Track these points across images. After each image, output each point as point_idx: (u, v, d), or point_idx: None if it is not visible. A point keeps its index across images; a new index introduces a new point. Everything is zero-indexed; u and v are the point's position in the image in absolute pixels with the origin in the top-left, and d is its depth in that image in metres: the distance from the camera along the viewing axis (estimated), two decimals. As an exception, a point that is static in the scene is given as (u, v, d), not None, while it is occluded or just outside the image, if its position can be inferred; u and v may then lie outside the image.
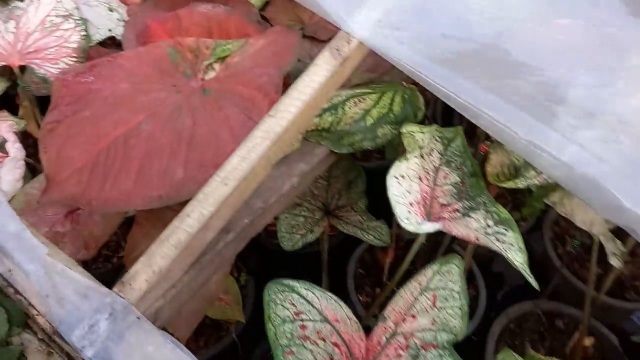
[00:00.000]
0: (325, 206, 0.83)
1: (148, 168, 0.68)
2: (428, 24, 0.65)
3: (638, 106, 0.60)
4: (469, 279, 1.25)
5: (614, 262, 0.71)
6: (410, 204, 0.58)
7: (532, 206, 1.20)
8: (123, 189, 0.68)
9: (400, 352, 0.51)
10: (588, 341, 1.15)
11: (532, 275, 0.54)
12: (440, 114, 1.48)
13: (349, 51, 0.64)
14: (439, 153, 0.73)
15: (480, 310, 1.16)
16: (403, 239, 1.21)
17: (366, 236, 0.82)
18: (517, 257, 0.56)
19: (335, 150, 0.72)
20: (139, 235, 0.77)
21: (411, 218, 0.55)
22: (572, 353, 1.10)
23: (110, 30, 1.10)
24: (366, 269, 1.27)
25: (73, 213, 0.82)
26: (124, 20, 1.09)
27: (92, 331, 0.50)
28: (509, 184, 0.63)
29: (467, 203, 0.67)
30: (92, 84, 0.76)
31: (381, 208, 0.89)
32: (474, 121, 0.60)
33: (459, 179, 0.70)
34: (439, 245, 1.16)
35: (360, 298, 1.21)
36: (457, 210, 0.65)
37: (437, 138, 0.74)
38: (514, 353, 0.64)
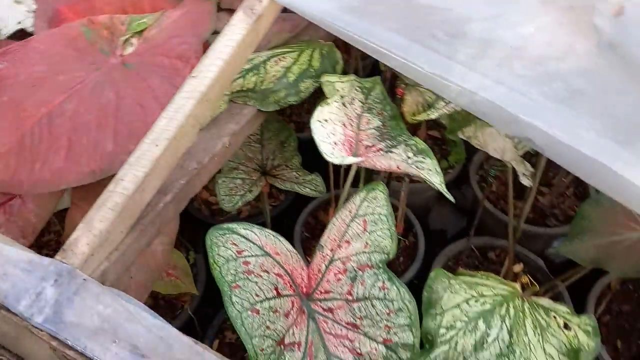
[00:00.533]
0: (262, 167, 0.86)
1: (77, 144, 0.68)
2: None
3: (526, 34, 0.67)
4: (408, 227, 1.32)
5: (525, 181, 0.79)
6: (335, 143, 0.62)
7: (457, 153, 1.28)
8: (54, 167, 0.67)
9: (340, 276, 0.56)
10: (518, 267, 1.26)
11: (447, 192, 0.60)
12: (362, 69, 1.53)
13: (261, 9, 0.67)
14: (360, 102, 0.77)
15: (419, 255, 1.23)
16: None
17: (303, 189, 0.85)
18: (435, 179, 0.62)
19: (262, 109, 0.75)
20: (77, 216, 0.77)
21: (335, 153, 0.59)
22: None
23: (19, 22, 1.06)
24: (311, 231, 1.32)
25: (5, 205, 0.80)
26: (33, 12, 1.05)
27: (39, 299, 0.50)
28: (422, 116, 0.69)
29: (389, 142, 0.72)
30: (6, 70, 0.74)
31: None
32: (385, 62, 0.65)
33: (380, 123, 0.75)
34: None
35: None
36: (381, 150, 0.70)
37: (358, 88, 0.78)
38: (443, 270, 0.70)
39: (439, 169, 0.63)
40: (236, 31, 0.66)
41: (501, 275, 1.17)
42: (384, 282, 0.56)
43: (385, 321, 0.55)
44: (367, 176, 0.97)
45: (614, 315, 1.14)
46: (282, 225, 1.31)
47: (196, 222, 1.31)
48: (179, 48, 0.76)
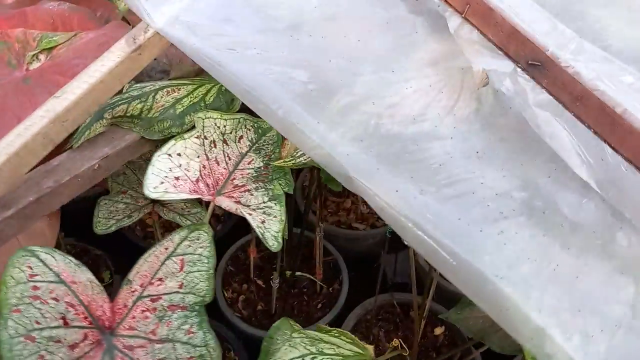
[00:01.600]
0: (153, 195, 0.86)
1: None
2: (219, 19, 0.70)
3: (406, 93, 0.66)
4: (335, 274, 1.29)
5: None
6: (176, 178, 0.61)
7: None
8: None
9: (147, 313, 0.54)
10: (439, 330, 1.21)
11: (270, 241, 0.59)
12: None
13: (143, 40, 0.68)
14: (249, 141, 0.77)
15: (339, 304, 1.20)
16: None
17: (184, 221, 0.85)
18: (274, 227, 0.60)
19: (146, 137, 0.75)
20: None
21: (159, 188, 0.58)
22: (425, 342, 1.16)
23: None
24: (237, 266, 1.30)
25: None
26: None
27: None
28: (289, 164, 0.68)
29: (261, 184, 0.71)
30: None
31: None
32: (252, 108, 0.64)
33: (262, 165, 0.75)
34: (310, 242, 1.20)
35: (226, 294, 1.23)
36: (248, 191, 0.70)
37: (251, 127, 0.78)
38: (289, 321, 0.68)
39: (283, 218, 0.62)
40: (112, 58, 0.67)
41: (419, 335, 1.13)
42: (191, 326, 0.54)
43: (184, 366, 0.53)
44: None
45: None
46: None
47: (125, 240, 1.30)
48: (77, 69, 0.78)
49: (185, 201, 0.86)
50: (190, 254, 0.56)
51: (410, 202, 0.54)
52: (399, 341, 0.76)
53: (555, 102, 0.57)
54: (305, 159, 0.67)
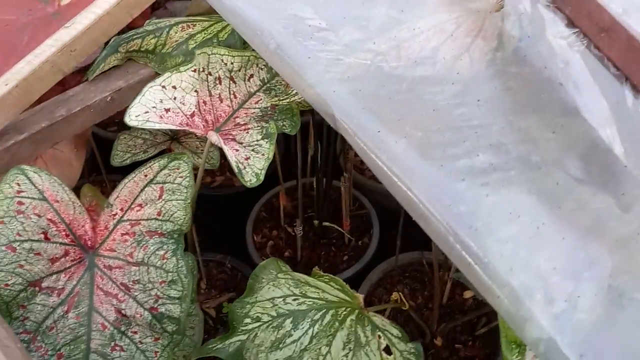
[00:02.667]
0: (172, 132, 0.88)
1: (-21, 77, 0.75)
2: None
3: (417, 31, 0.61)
4: (366, 228, 1.28)
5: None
6: (166, 110, 0.62)
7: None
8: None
9: (127, 237, 0.56)
10: (469, 293, 1.17)
11: (258, 179, 0.58)
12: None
13: (152, -28, 0.68)
14: (260, 80, 0.76)
15: (366, 258, 1.19)
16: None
17: (197, 159, 0.86)
18: (258, 164, 0.60)
19: (160, 72, 0.76)
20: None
21: (141, 117, 0.59)
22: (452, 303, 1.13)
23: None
24: (269, 212, 1.32)
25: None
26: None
27: None
28: (283, 102, 0.67)
29: (262, 124, 0.70)
30: (-49, 3, 0.82)
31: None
32: (250, 44, 0.62)
33: (268, 105, 0.74)
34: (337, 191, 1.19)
35: (255, 238, 1.26)
36: (247, 130, 0.69)
37: (263, 66, 0.77)
38: (277, 261, 0.68)
39: (270, 156, 0.61)
40: (120, -11, 0.68)
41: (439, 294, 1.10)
42: (166, 252, 0.56)
43: (156, 290, 0.55)
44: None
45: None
46: (250, 201, 1.33)
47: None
48: (100, 3, 0.80)
49: (201, 140, 0.87)
50: (170, 182, 0.57)
51: (390, 146, 0.51)
52: (400, 295, 0.74)
53: (575, 34, 0.50)
54: (301, 98, 0.64)
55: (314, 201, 1.24)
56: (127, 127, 1.57)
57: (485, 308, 1.08)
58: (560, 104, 0.52)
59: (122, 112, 0.76)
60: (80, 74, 0.87)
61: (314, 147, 1.13)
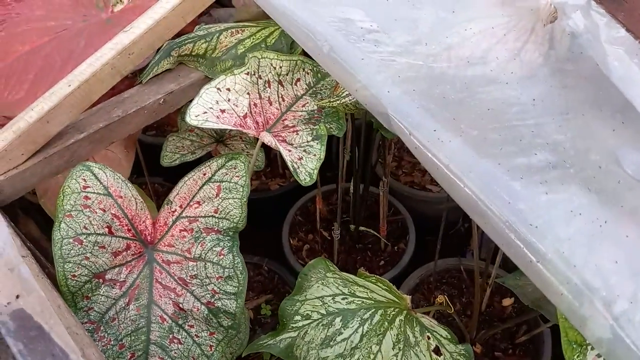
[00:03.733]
0: (219, 134, 0.90)
1: (39, 81, 0.78)
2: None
3: (468, 34, 0.61)
4: (402, 234, 1.27)
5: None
6: (222, 111, 0.63)
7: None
8: (17, 97, 0.78)
9: (185, 233, 0.58)
10: (507, 301, 1.15)
11: (312, 178, 0.59)
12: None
13: (205, -21, 0.70)
14: (306, 84, 0.77)
15: (402, 264, 1.19)
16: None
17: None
18: (310, 164, 0.61)
19: (210, 76, 0.79)
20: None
21: (201, 117, 0.60)
22: (491, 311, 1.12)
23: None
24: (306, 217, 1.33)
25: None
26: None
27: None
28: (334, 104, 0.68)
29: (310, 126, 0.71)
30: (13, 9, 0.86)
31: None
32: (303, 47, 0.64)
33: (316, 108, 0.75)
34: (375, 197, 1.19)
35: (292, 241, 1.27)
36: (296, 132, 0.70)
37: (309, 70, 0.79)
38: (325, 261, 0.68)
39: (322, 156, 0.62)
40: (175, -4, 0.70)
41: (480, 301, 1.09)
42: (222, 249, 0.57)
43: (213, 285, 0.56)
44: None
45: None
46: (285, 205, 1.34)
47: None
48: (153, 10, 0.83)
49: (246, 142, 0.89)
50: (227, 181, 0.58)
51: (446, 144, 0.51)
52: (445, 297, 0.74)
53: (631, 38, 0.50)
54: (350, 100, 0.65)
55: (350, 206, 1.25)
56: (165, 132, 1.60)
57: (525, 316, 1.07)
58: (618, 101, 0.51)
59: (163, 117, 0.79)
60: (128, 79, 0.90)
61: (350, 152, 1.14)
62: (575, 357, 0.47)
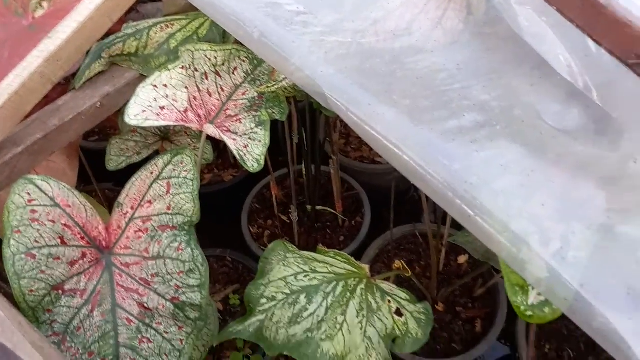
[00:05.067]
0: (164, 132, 0.89)
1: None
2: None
3: (391, 7, 0.64)
4: (357, 208, 1.31)
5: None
6: (162, 108, 0.64)
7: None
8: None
9: (140, 234, 0.58)
10: (462, 258, 1.21)
11: (259, 164, 0.60)
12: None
13: (128, -25, 0.69)
14: (244, 72, 0.78)
15: (361, 236, 1.22)
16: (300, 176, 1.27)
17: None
18: (256, 150, 0.62)
19: (145, 74, 0.78)
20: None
21: (140, 116, 0.61)
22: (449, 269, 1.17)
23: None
24: (262, 203, 1.34)
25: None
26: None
27: None
28: (272, 89, 0.69)
29: (252, 113, 0.72)
30: None
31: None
32: (235, 35, 0.64)
33: (256, 95, 0.76)
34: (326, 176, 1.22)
35: (252, 229, 1.28)
36: (239, 120, 0.71)
37: (245, 58, 0.79)
38: (283, 242, 0.70)
39: (267, 142, 0.64)
40: (98, -4, 0.69)
41: (437, 262, 1.14)
42: (180, 244, 0.58)
43: (175, 280, 0.57)
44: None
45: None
46: (241, 194, 1.35)
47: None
48: (76, 12, 0.80)
49: (191, 137, 0.89)
50: (176, 177, 0.59)
51: (381, 116, 0.54)
52: (401, 262, 0.77)
53: (538, -3, 0.54)
54: (288, 83, 0.67)
55: (304, 188, 1.27)
56: (108, 136, 1.57)
57: (480, 269, 1.13)
58: (534, 58, 0.55)
59: (103, 121, 0.78)
60: (61, 85, 0.87)
61: (297, 134, 1.16)
62: (519, 298, 0.51)
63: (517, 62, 0.57)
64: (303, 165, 1.20)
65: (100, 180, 1.23)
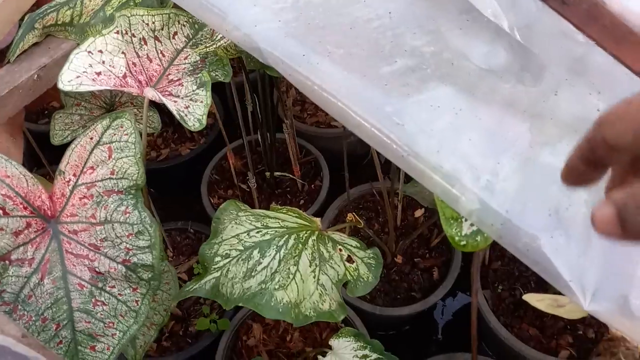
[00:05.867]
0: (109, 104, 0.88)
1: None
2: None
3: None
4: (316, 172, 1.33)
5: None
6: (98, 74, 0.63)
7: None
8: None
9: (86, 200, 0.58)
10: (419, 212, 1.25)
11: (201, 123, 0.61)
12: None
13: (53, -60, 0.67)
14: (185, 37, 0.77)
15: (320, 199, 1.24)
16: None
17: (138, 126, 0.87)
18: (198, 110, 0.62)
19: (82, 43, 0.76)
20: None
21: (74, 82, 0.60)
22: (406, 224, 1.21)
23: None
24: (221, 174, 1.35)
25: None
26: None
27: None
28: (210, 49, 0.69)
29: (195, 77, 0.72)
30: None
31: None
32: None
33: (198, 59, 0.75)
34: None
35: (212, 200, 1.29)
36: (182, 84, 0.71)
37: (185, 23, 0.78)
38: (235, 202, 0.71)
39: (208, 102, 0.64)
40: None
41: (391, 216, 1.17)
42: (127, 207, 0.58)
43: (125, 243, 0.58)
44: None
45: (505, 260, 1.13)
46: (199, 167, 1.35)
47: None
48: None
49: (138, 107, 0.88)
50: (117, 141, 0.59)
51: (316, 66, 0.55)
52: (353, 215, 0.80)
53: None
54: (226, 42, 0.67)
55: (262, 156, 1.28)
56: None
57: (433, 219, 1.17)
58: (463, 3, 0.57)
59: (49, 100, 0.76)
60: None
61: (252, 102, 1.16)
62: (454, 230, 0.54)
63: (446, 9, 0.59)
64: (259, 133, 1.20)
65: (53, 163, 1.21)
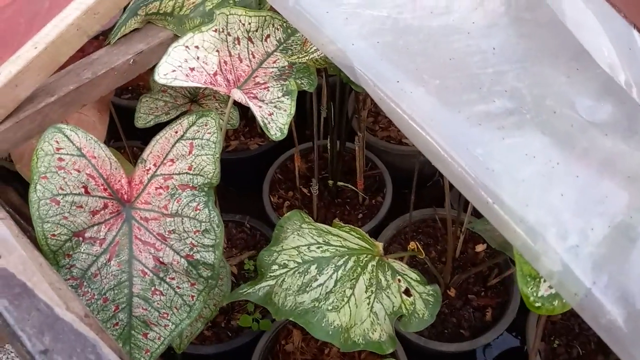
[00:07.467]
0: (193, 95, 0.90)
1: (4, 44, 0.77)
2: None
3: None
4: (379, 187, 1.31)
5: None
6: (191, 69, 0.64)
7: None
8: (-17, 61, 0.77)
9: (161, 190, 0.60)
10: (480, 247, 1.20)
11: (282, 132, 0.60)
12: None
13: None
14: (276, 40, 0.77)
15: (380, 215, 1.22)
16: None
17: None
18: (281, 119, 0.62)
19: (179, 34, 0.78)
20: None
21: (169, 75, 0.61)
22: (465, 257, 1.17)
23: None
24: (285, 174, 1.35)
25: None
26: None
27: None
28: (302, 60, 0.68)
29: (281, 82, 0.72)
30: (-29, -29, 0.84)
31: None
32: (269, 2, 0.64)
33: (286, 64, 0.75)
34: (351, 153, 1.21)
35: (272, 199, 1.29)
36: (267, 88, 0.71)
37: (279, 26, 0.79)
38: (300, 213, 0.71)
39: (292, 112, 0.64)
40: (139, -48, 0.69)
41: (452, 246, 1.13)
42: (198, 204, 0.59)
43: (191, 239, 0.59)
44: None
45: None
46: (265, 163, 1.36)
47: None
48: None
49: (220, 101, 0.89)
50: (199, 138, 0.59)
51: (408, 94, 0.53)
52: (416, 243, 0.77)
53: (585, -15, 0.52)
54: (319, 55, 0.66)
55: (327, 162, 1.27)
56: (140, 94, 1.59)
57: (496, 259, 1.12)
58: (573, 48, 0.53)
59: (136, 79, 0.79)
60: (97, 40, 0.89)
61: (326, 109, 1.15)
62: (530, 289, 0.50)
63: (554, 52, 0.56)
64: (329, 140, 1.19)
65: (130, 138, 1.26)
